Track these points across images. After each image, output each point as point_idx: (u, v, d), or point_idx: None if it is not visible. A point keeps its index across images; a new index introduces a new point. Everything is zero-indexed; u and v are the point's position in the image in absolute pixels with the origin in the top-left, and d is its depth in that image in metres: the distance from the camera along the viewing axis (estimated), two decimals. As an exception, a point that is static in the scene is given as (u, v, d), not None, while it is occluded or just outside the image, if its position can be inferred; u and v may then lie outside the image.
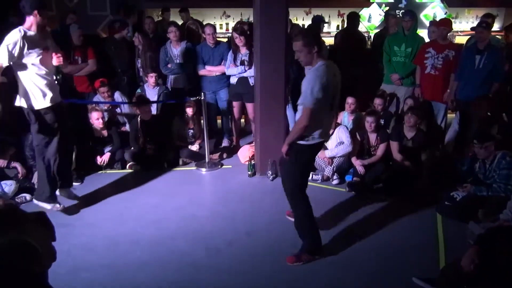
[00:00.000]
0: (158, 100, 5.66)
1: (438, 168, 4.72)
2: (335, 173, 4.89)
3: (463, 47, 5.75)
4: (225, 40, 6.17)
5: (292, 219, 3.58)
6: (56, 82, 4.03)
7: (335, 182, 4.87)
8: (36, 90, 3.74)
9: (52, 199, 4.07)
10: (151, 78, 5.67)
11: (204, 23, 6.91)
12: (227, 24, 8.14)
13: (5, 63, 3.57)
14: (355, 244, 3.64)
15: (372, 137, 4.98)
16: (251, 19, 6.20)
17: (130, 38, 6.16)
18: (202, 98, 5.22)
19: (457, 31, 7.92)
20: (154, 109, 5.72)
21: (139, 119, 5.31)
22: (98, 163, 5.15)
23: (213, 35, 5.56)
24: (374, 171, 4.81)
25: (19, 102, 3.81)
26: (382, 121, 5.28)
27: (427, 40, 5.83)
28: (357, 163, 4.83)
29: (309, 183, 4.80)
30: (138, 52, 6.01)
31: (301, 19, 8.14)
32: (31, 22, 3.66)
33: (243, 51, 5.32)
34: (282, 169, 3.82)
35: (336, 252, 3.53)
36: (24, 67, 3.67)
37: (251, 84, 5.28)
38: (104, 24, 7.51)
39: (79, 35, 5.59)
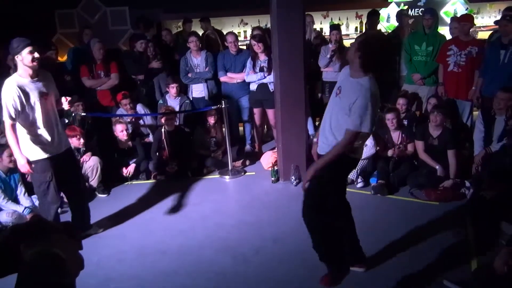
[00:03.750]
0: (180, 110, 5.75)
1: (466, 167, 4.62)
2: (359, 176, 4.84)
3: (486, 43, 5.62)
4: (244, 47, 6.21)
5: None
6: (64, 125, 3.79)
7: (359, 185, 4.82)
8: (29, 142, 3.47)
9: None
10: (172, 89, 5.74)
11: (223, 31, 6.98)
12: (245, 31, 8.20)
13: (12, 120, 3.34)
14: (383, 247, 3.59)
15: (395, 136, 4.92)
16: (269, 25, 6.23)
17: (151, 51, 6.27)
18: (223, 106, 5.26)
19: (479, 27, 7.75)
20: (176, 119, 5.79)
21: (163, 129, 5.39)
22: (124, 174, 5.23)
23: (235, 43, 5.62)
24: (400, 172, 4.74)
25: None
26: (405, 122, 5.21)
27: (448, 37, 5.72)
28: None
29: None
30: (149, 60, 6.13)
31: (319, 22, 8.12)
32: (21, 67, 3.34)
33: (262, 57, 5.34)
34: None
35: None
36: (21, 118, 3.39)
37: (271, 90, 5.29)
38: (125, 38, 7.68)
39: (99, 49, 5.72)
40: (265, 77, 5.33)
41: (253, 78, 5.41)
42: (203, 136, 5.70)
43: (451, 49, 5.30)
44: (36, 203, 4.40)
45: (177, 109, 5.74)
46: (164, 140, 5.38)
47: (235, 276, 3.34)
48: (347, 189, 4.67)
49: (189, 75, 5.86)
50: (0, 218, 4.11)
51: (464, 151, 4.99)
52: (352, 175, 4.85)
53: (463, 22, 5.31)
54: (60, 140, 3.65)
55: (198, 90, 5.93)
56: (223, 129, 5.53)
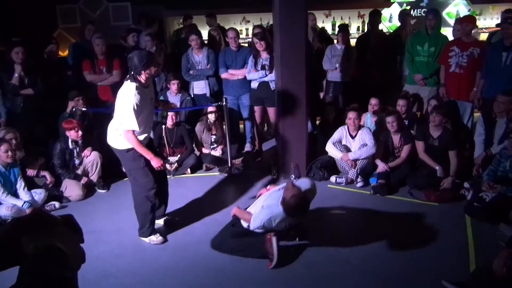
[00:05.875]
0: (181, 107, 5.74)
1: (466, 168, 4.62)
2: (359, 176, 4.84)
3: (488, 44, 5.63)
4: (246, 45, 6.20)
5: None
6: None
7: (359, 184, 4.82)
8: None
9: (154, 231, 3.87)
10: (173, 86, 5.73)
11: (225, 28, 6.97)
12: (247, 29, 8.18)
13: (136, 128, 3.46)
14: (382, 248, 3.60)
15: (396, 139, 4.91)
16: (271, 23, 6.22)
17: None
18: (224, 103, 5.26)
19: (481, 28, 7.75)
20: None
21: (163, 126, 5.38)
22: (123, 170, 5.21)
23: (235, 38, 5.60)
24: (400, 172, 4.75)
25: (113, 142, 3.69)
26: (406, 122, 5.21)
27: (451, 38, 5.72)
28: (381, 167, 4.76)
29: (333, 186, 4.85)
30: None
31: (321, 21, 8.10)
32: (144, 77, 3.55)
33: (264, 55, 5.33)
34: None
35: (362, 256, 3.49)
36: None
37: (272, 89, 5.29)
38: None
39: (98, 44, 5.67)
40: (266, 75, 5.32)
41: (254, 76, 5.40)
42: (203, 133, 5.69)
43: (453, 50, 5.30)
44: (36, 197, 4.42)
45: (178, 106, 5.73)
46: (164, 136, 5.38)
47: (233, 273, 3.35)
48: (347, 189, 4.77)
49: (191, 72, 5.86)
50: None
51: (465, 152, 4.99)
52: (351, 174, 4.85)
53: (465, 23, 5.31)
54: (149, 133, 3.85)
55: (199, 87, 5.93)
56: (224, 126, 5.53)
